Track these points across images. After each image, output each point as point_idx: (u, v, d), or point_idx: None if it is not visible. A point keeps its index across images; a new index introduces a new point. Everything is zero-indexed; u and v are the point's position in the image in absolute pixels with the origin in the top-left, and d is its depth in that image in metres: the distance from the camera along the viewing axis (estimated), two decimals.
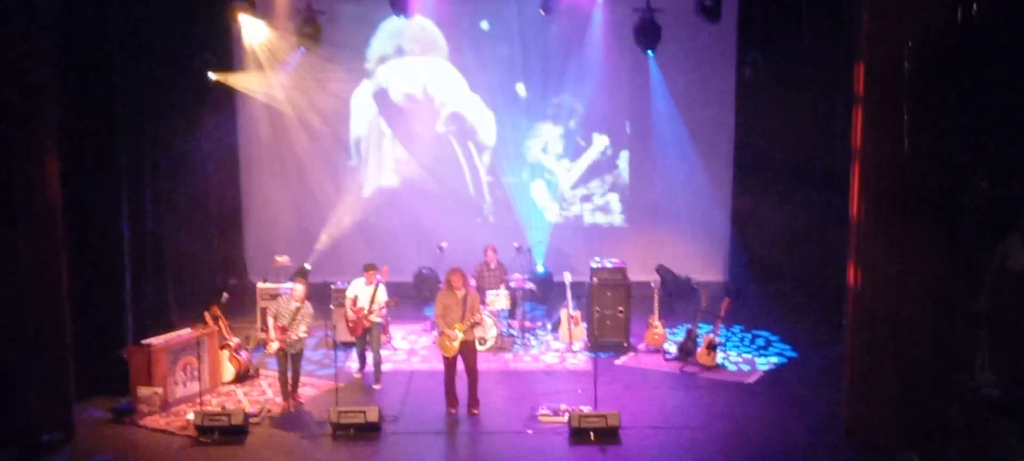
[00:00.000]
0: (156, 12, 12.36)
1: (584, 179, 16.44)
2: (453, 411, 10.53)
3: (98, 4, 10.90)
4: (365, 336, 11.57)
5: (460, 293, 10.44)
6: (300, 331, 10.65)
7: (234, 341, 11.71)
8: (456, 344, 10.39)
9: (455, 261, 14.53)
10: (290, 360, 10.75)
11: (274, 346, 10.67)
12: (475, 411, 10.52)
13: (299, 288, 10.74)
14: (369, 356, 11.66)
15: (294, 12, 14.70)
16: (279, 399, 10.87)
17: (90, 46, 10.81)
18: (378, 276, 11.60)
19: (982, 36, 8.67)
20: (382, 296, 11.53)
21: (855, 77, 9.40)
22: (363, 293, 11.52)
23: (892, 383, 9.33)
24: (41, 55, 9.50)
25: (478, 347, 12.61)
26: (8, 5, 9.19)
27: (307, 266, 14.50)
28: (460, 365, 10.52)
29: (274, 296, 11.76)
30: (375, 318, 11.49)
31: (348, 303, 11.59)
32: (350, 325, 11.57)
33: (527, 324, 13.40)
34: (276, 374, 11.69)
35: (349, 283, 11.83)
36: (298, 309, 10.66)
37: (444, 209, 16.16)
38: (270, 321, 10.73)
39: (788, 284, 15.02)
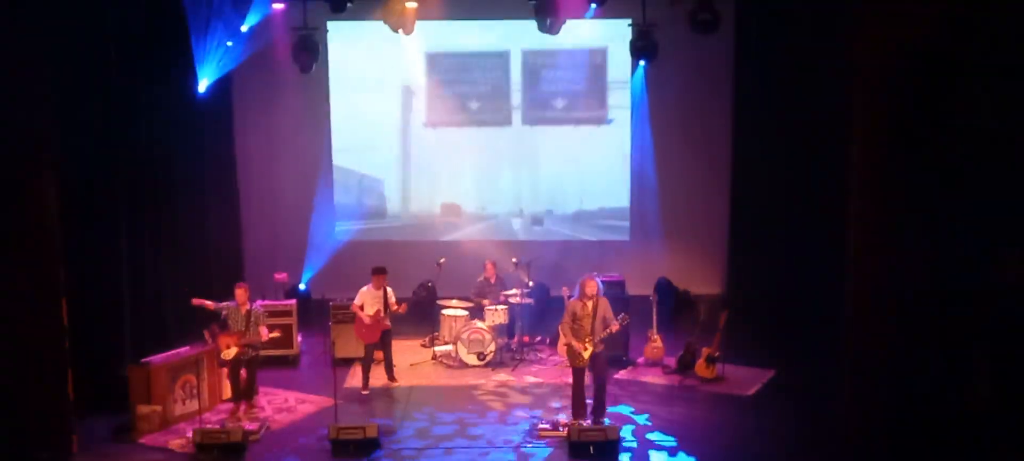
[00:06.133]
0: (154, 28, 12.41)
1: (581, 191, 16.46)
2: (581, 421, 10.34)
3: (96, 19, 10.93)
4: (380, 340, 11.83)
5: (590, 303, 10.33)
6: (260, 333, 10.93)
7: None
8: (586, 355, 10.32)
9: (454, 276, 14.73)
10: (247, 365, 10.99)
11: (232, 352, 10.82)
12: (602, 419, 10.37)
13: (240, 292, 11.00)
14: (375, 368, 11.79)
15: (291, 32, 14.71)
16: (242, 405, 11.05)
17: (87, 61, 10.84)
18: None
19: (979, 44, 8.72)
20: (392, 297, 11.85)
21: (852, 87, 9.44)
22: (371, 298, 11.65)
23: (891, 394, 9.34)
24: (37, 70, 9.51)
25: (476, 363, 12.70)
26: (5, 22, 9.22)
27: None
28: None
29: (223, 313, 11.31)
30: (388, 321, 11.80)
31: (356, 310, 11.78)
32: (365, 331, 11.74)
33: (526, 339, 13.42)
34: (277, 392, 11.77)
35: (347, 298, 11.92)
36: (250, 312, 10.91)
37: (445, 223, 16.23)
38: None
39: (787, 295, 15.01)
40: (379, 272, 11.83)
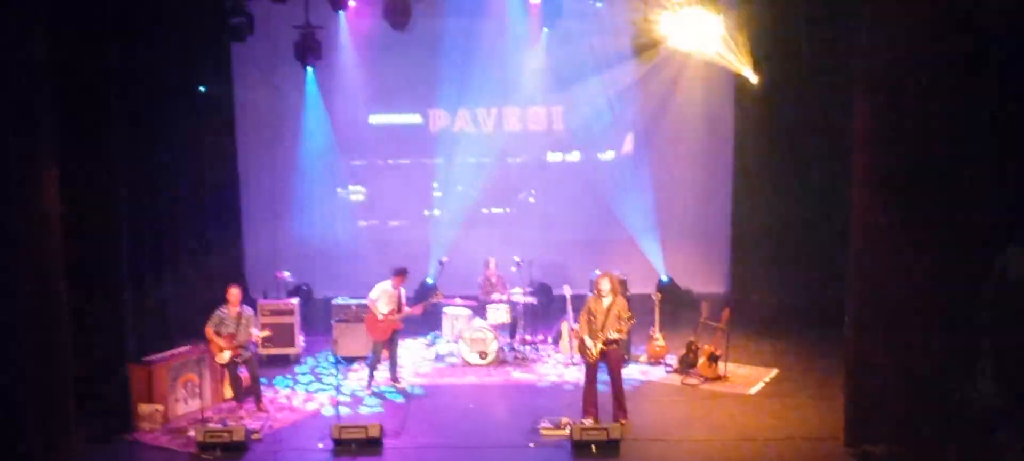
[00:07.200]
0: (154, 26, 12.40)
1: (582, 190, 16.46)
2: (589, 420, 10.21)
3: (95, 15, 10.91)
4: (389, 340, 11.83)
5: (606, 301, 10.28)
6: (253, 333, 11.01)
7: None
8: (594, 351, 10.26)
9: (455, 275, 14.74)
10: (247, 366, 11.02)
11: (226, 355, 10.84)
12: (624, 420, 10.18)
13: (233, 292, 11.00)
14: (380, 367, 11.79)
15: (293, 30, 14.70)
16: (244, 405, 11.05)
17: (88, 58, 10.81)
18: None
19: (979, 44, 8.69)
20: (404, 299, 11.92)
21: (855, 86, 9.42)
22: (388, 297, 11.73)
23: (893, 393, 9.32)
24: (37, 65, 9.45)
25: (479, 361, 12.69)
26: (3, 15, 9.19)
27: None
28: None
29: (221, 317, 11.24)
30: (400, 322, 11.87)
31: (372, 305, 11.77)
32: (378, 330, 11.74)
33: (527, 338, 13.41)
34: (278, 390, 11.76)
35: (344, 296, 11.94)
36: (240, 314, 10.94)
37: (444, 221, 16.23)
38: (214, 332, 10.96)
39: (788, 293, 15.02)
40: (400, 273, 11.87)
